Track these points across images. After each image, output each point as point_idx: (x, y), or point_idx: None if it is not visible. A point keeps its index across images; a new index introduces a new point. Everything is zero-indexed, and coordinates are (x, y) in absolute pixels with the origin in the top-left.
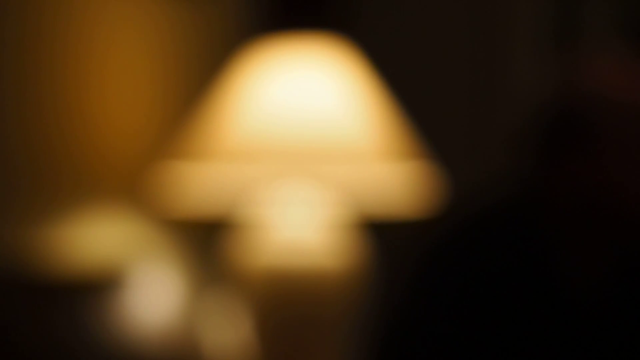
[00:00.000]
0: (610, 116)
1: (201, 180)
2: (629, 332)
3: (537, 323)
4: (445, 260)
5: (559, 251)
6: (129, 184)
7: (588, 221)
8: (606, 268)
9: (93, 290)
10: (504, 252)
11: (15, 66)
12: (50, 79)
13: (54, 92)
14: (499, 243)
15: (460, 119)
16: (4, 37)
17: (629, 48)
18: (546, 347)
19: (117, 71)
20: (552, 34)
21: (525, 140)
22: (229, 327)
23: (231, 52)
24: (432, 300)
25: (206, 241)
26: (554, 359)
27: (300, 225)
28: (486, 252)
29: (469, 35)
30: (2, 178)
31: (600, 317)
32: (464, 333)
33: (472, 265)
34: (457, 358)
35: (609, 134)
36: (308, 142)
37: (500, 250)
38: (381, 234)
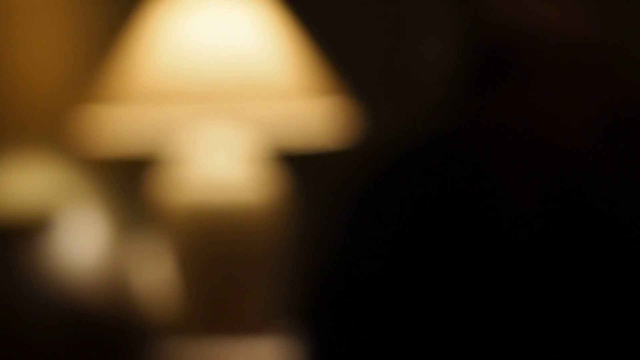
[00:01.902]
0: (536, 47)
1: (122, 122)
2: (556, 262)
3: (468, 255)
4: (379, 194)
5: (489, 183)
6: (51, 128)
7: (517, 153)
8: (535, 199)
9: (20, 235)
10: (436, 185)
11: None
12: None
13: None
14: (431, 176)
15: (382, 53)
16: None
17: None
18: (477, 278)
19: (34, 15)
20: None
21: (453, 74)
22: (157, 265)
23: None
24: (368, 235)
25: (130, 181)
26: (484, 289)
27: (221, 161)
28: (419, 186)
29: None
30: None
31: (529, 248)
32: (399, 267)
33: (406, 199)
34: (393, 292)
35: (536, 65)
36: (226, 80)
37: (432, 183)
38: (300, 167)
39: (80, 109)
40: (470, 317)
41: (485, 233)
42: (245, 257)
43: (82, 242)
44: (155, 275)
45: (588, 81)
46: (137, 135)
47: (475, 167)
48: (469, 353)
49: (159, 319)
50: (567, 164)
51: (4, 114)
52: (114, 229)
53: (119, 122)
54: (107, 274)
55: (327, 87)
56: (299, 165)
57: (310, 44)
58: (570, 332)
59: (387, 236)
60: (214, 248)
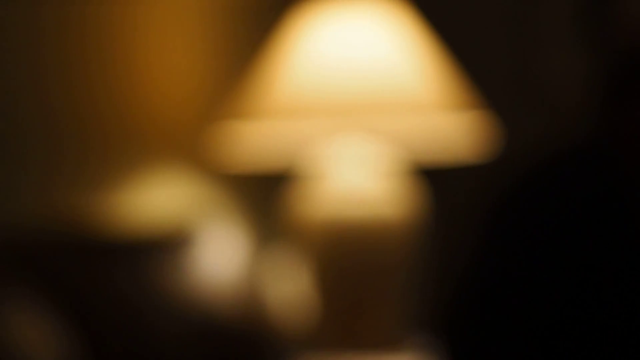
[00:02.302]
0: None
1: (260, 137)
2: None
3: (613, 265)
4: (517, 207)
5: (630, 191)
6: (190, 143)
7: None
8: None
9: (159, 249)
10: (574, 196)
11: (62, 30)
12: (96, 41)
13: (102, 54)
14: (568, 187)
15: (519, 65)
16: (52, 2)
17: None
18: (623, 290)
19: (169, 32)
20: None
21: (589, 85)
22: (292, 280)
23: (283, 9)
24: (505, 248)
25: (266, 196)
26: (630, 302)
27: (357, 176)
28: (557, 197)
29: None
30: (76, 142)
31: None
32: (537, 280)
33: (544, 211)
34: (531, 305)
35: None
36: (363, 93)
37: (570, 194)
38: (438, 181)
39: (218, 125)
40: (610, 332)
41: (632, 242)
42: (380, 271)
43: (220, 256)
44: (289, 289)
45: None
46: (275, 150)
47: (615, 176)
48: None
49: (292, 333)
50: None
51: (144, 129)
52: (250, 244)
53: (256, 137)
54: (243, 288)
55: (464, 101)
56: (436, 179)
57: (446, 58)
58: None
59: (525, 249)
60: (349, 262)
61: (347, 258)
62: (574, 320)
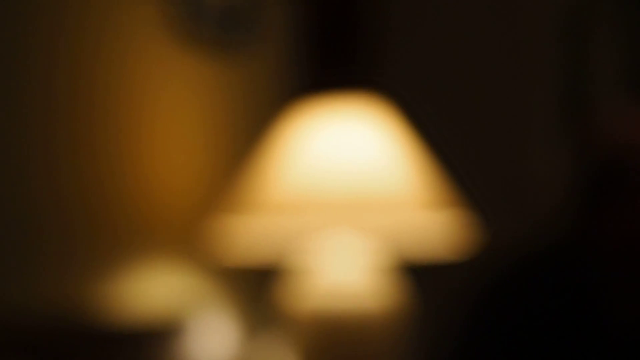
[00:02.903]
0: None
1: (251, 232)
2: None
3: None
4: (496, 305)
5: (603, 295)
6: (183, 236)
7: (630, 266)
8: None
9: (153, 338)
10: (551, 297)
11: (70, 121)
12: (104, 135)
13: (108, 147)
14: (548, 287)
15: (499, 167)
16: (58, 89)
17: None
18: None
19: (168, 127)
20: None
21: (568, 189)
22: None
23: (276, 110)
24: (484, 345)
25: (257, 288)
26: None
27: (345, 270)
28: (534, 297)
29: (500, 87)
30: (61, 232)
31: None
32: None
33: (521, 310)
34: None
35: None
36: (351, 193)
37: (547, 294)
38: (421, 278)
39: (212, 218)
40: None
41: (601, 344)
42: None
43: (211, 346)
44: None
45: None
46: (266, 244)
47: (589, 280)
48: None
49: None
50: None
51: (139, 219)
52: (241, 334)
53: (249, 232)
54: None
55: (446, 200)
56: (419, 276)
57: (430, 158)
58: None
59: (501, 345)
60: (336, 354)
61: (334, 350)
62: None
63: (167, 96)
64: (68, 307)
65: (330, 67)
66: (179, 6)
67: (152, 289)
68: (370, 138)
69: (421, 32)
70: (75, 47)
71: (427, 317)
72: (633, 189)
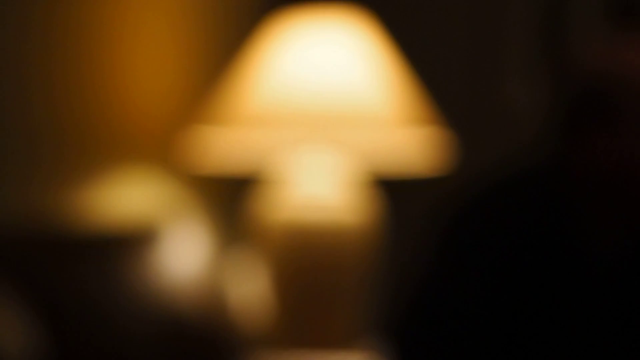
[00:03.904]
0: (626, 93)
1: (228, 143)
2: None
3: (554, 289)
4: (470, 225)
5: (578, 220)
6: (157, 144)
7: (607, 193)
8: (626, 238)
9: (124, 247)
10: (525, 220)
11: (42, 30)
12: (77, 44)
13: (81, 56)
14: (521, 211)
15: (481, 89)
16: (34, 3)
17: (625, 30)
18: (562, 311)
19: (145, 39)
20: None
21: (547, 114)
22: (253, 280)
23: (256, 22)
24: (456, 263)
25: (231, 198)
26: (572, 322)
27: (320, 183)
28: (508, 219)
29: (481, 9)
30: (31, 140)
31: (616, 285)
32: (486, 296)
33: (495, 231)
34: (479, 319)
35: (625, 110)
36: (327, 107)
37: (522, 217)
38: (395, 192)
39: (188, 129)
40: (553, 351)
41: (572, 269)
42: (337, 274)
43: (184, 255)
44: (250, 289)
45: None
46: (241, 156)
47: (566, 205)
48: None
49: (251, 332)
50: None
51: (116, 130)
52: (214, 244)
53: (224, 143)
54: (205, 287)
55: (424, 118)
56: (393, 190)
57: (408, 76)
58: None
59: (474, 265)
60: (306, 265)
61: (305, 261)
62: (522, 333)
63: (142, 4)
64: (39, 215)
65: None
66: None
67: (126, 197)
68: (349, 52)
69: None
70: None
71: (401, 233)
72: (609, 116)
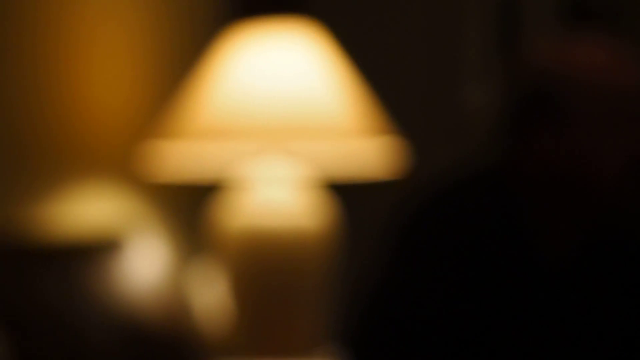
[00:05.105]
0: (573, 94)
1: (186, 156)
2: (593, 298)
3: (507, 290)
4: (423, 228)
5: (529, 221)
6: (119, 158)
7: (556, 193)
8: (574, 237)
9: (85, 257)
10: (477, 222)
11: (5, 40)
12: (37, 58)
13: (42, 69)
14: (472, 213)
15: (430, 94)
16: None
17: (575, 31)
18: (515, 313)
19: (101, 52)
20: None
21: (496, 116)
22: (214, 288)
23: (211, 35)
24: (411, 267)
25: (190, 208)
26: (524, 323)
27: (276, 191)
28: (461, 222)
29: (431, 13)
30: (2, 154)
31: (566, 285)
32: (441, 299)
33: (448, 234)
34: (437, 325)
35: (573, 110)
36: (282, 118)
37: (474, 219)
38: (353, 201)
39: (147, 142)
40: (509, 352)
41: (524, 269)
42: (296, 280)
43: (146, 265)
44: (212, 297)
45: (621, 127)
46: (199, 166)
47: (516, 206)
48: None
49: (213, 339)
50: (602, 204)
51: (76, 144)
52: (175, 254)
53: (182, 156)
54: (167, 296)
55: (377, 127)
56: (350, 198)
57: (362, 84)
58: None
59: (429, 269)
60: (265, 271)
61: (263, 267)
62: (476, 333)
63: (100, 19)
64: (1, 226)
65: None
66: None
67: (86, 209)
68: (303, 63)
69: None
70: None
71: (357, 238)
72: (556, 117)
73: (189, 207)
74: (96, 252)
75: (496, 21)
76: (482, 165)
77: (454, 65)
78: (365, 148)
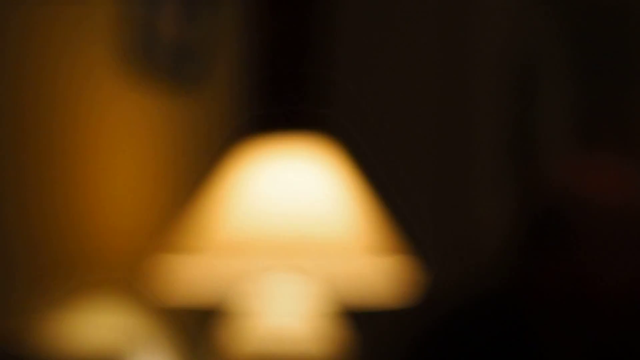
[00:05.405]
0: (586, 215)
1: (194, 272)
2: None
3: None
4: (434, 349)
5: (541, 338)
6: (125, 273)
7: (567, 311)
8: (584, 354)
9: None
10: (489, 340)
11: (15, 157)
12: (48, 170)
13: (53, 181)
14: (484, 331)
15: (442, 212)
16: (6, 122)
17: (588, 152)
18: None
19: (114, 165)
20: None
21: (508, 234)
22: None
23: (224, 150)
24: None
25: (198, 329)
26: None
27: (286, 314)
28: (473, 340)
29: (446, 130)
30: (5, 269)
31: None
32: None
33: (461, 353)
34: None
35: (587, 230)
36: (294, 235)
37: (486, 337)
38: (363, 323)
39: (154, 257)
40: None
41: None
42: None
43: None
44: None
45: (633, 247)
46: (208, 285)
47: (527, 323)
48: None
49: None
50: (614, 322)
51: (81, 256)
52: None
53: (191, 272)
54: None
55: (389, 246)
56: (360, 321)
57: (374, 204)
58: None
59: None
60: None
61: None
62: None
63: (114, 131)
64: (4, 341)
65: (279, 106)
66: (131, 40)
67: (92, 326)
68: (317, 180)
69: (369, 74)
70: (27, 84)
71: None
72: (572, 238)
73: (196, 326)
74: None
75: (510, 136)
76: (495, 283)
77: (467, 183)
78: (377, 267)
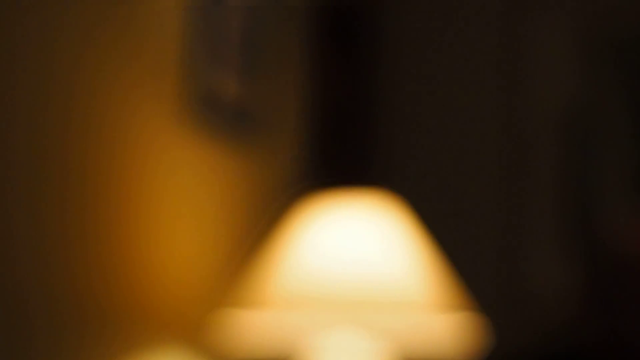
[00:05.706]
0: None
1: (257, 327)
2: None
3: None
4: None
5: None
6: (187, 329)
7: None
8: None
9: None
10: None
11: (76, 208)
12: (109, 223)
13: (114, 235)
14: None
15: (511, 272)
16: (70, 180)
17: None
18: None
19: (176, 217)
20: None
21: (573, 295)
22: None
23: (285, 204)
24: None
25: None
26: None
27: None
28: None
29: (507, 189)
30: (53, 323)
31: None
32: None
33: None
34: None
35: None
36: (358, 291)
37: None
38: None
39: (217, 312)
40: None
41: None
42: None
43: None
44: None
45: None
46: (271, 340)
47: None
48: None
49: None
50: None
51: (141, 311)
52: None
53: (254, 327)
54: None
55: (454, 302)
56: None
57: (439, 259)
58: None
59: None
60: None
61: None
62: None
63: (175, 186)
64: None
65: (341, 163)
66: (192, 98)
67: None
68: (380, 236)
69: (431, 130)
70: (86, 134)
71: None
72: (634, 298)
73: None
74: None
75: (571, 196)
76: (558, 341)
77: (528, 243)
78: (441, 323)
